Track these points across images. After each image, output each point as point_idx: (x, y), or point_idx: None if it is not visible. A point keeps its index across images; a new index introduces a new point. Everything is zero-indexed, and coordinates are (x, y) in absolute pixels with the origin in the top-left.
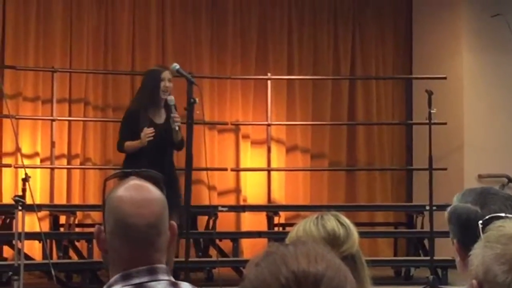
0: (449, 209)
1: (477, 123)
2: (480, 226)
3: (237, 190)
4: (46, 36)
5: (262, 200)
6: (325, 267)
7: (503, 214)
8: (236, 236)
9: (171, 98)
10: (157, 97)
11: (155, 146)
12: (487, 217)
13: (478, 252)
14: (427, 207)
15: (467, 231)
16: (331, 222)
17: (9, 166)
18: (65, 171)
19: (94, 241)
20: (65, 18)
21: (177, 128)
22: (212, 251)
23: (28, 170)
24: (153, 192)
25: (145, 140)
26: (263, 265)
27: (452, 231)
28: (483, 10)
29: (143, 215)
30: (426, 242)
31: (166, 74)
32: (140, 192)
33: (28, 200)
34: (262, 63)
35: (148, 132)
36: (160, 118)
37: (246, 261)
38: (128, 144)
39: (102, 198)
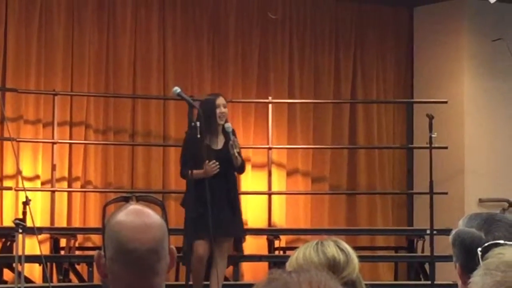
0: (453, 232)
1: (478, 148)
2: (479, 253)
3: None
4: (47, 59)
5: (262, 224)
6: None
7: (502, 241)
8: (236, 260)
9: (228, 126)
10: (214, 124)
11: (215, 173)
12: (486, 244)
13: (477, 280)
14: (428, 231)
15: (469, 256)
16: (331, 248)
17: (9, 189)
18: (65, 194)
19: (95, 266)
20: (67, 41)
21: (236, 154)
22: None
23: (28, 193)
24: (153, 217)
25: (211, 173)
26: None
27: (456, 255)
28: (484, 35)
29: (143, 240)
30: (427, 266)
31: (221, 100)
32: (140, 217)
33: (29, 223)
34: (263, 87)
35: (212, 166)
36: (217, 145)
37: (246, 285)
38: (196, 173)
39: (102, 223)
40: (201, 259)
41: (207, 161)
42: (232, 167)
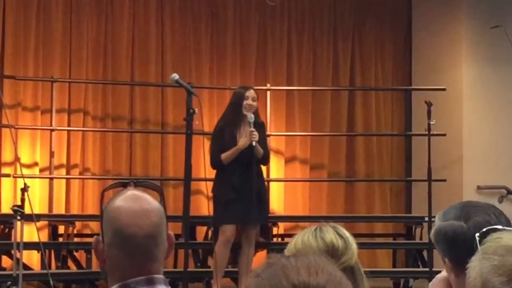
0: (433, 230)
1: (477, 135)
2: (477, 238)
3: None
4: (45, 46)
5: None
6: (325, 279)
7: (500, 227)
8: (234, 247)
9: (250, 116)
10: (240, 115)
11: (241, 163)
12: (484, 229)
13: (475, 264)
14: (426, 219)
15: (456, 247)
16: (330, 234)
17: (8, 176)
18: (64, 181)
19: (93, 252)
20: (65, 28)
21: (253, 143)
22: (211, 262)
23: (27, 180)
24: (151, 202)
25: (246, 143)
26: (264, 276)
27: (442, 251)
28: (482, 22)
29: (141, 225)
30: (425, 253)
31: (250, 93)
32: (138, 202)
33: (27, 210)
34: (261, 74)
35: (253, 134)
36: (242, 135)
37: None
38: (225, 155)
39: (100, 208)
40: (227, 242)
41: (249, 130)
42: (256, 158)
